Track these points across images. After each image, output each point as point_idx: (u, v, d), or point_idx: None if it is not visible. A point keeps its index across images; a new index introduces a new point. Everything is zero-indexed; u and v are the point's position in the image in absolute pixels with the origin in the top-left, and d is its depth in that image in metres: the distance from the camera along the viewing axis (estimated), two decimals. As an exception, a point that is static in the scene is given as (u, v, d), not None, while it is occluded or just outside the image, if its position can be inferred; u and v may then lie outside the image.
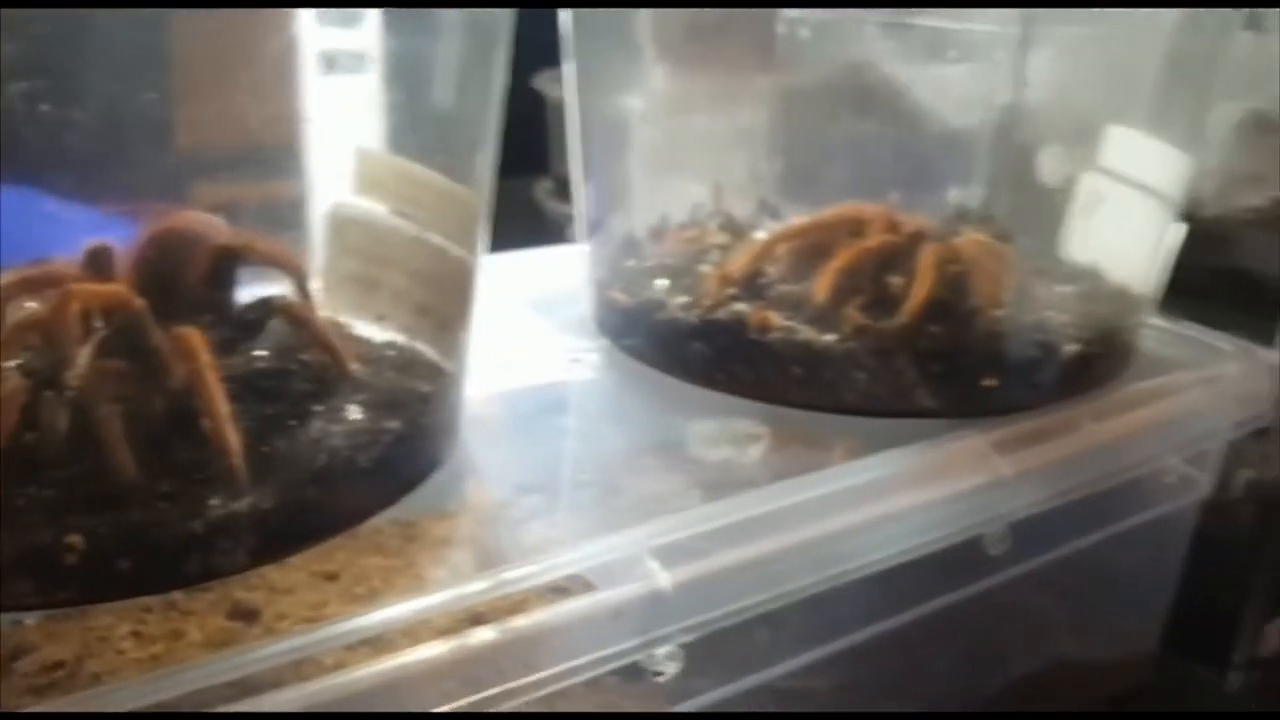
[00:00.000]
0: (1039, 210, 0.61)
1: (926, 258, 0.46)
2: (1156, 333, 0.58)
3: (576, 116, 0.57)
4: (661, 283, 0.53)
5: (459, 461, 0.43)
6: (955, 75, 0.70)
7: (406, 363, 0.41)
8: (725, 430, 0.49)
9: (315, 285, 0.41)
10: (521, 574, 0.34)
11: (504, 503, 0.42)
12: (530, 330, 0.58)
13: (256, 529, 0.33)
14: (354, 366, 0.38)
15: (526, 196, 1.05)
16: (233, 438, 0.32)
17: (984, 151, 0.67)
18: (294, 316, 0.35)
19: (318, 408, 0.36)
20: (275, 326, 0.38)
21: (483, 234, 0.44)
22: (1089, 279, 0.55)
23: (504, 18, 0.41)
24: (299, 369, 0.36)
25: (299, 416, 0.35)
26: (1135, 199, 0.56)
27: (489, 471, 0.44)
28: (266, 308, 0.35)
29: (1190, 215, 0.59)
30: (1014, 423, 0.47)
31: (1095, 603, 0.56)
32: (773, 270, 0.51)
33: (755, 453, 0.47)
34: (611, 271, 0.55)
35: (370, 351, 0.41)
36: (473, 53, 0.41)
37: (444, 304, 0.43)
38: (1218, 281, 0.60)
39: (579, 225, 0.59)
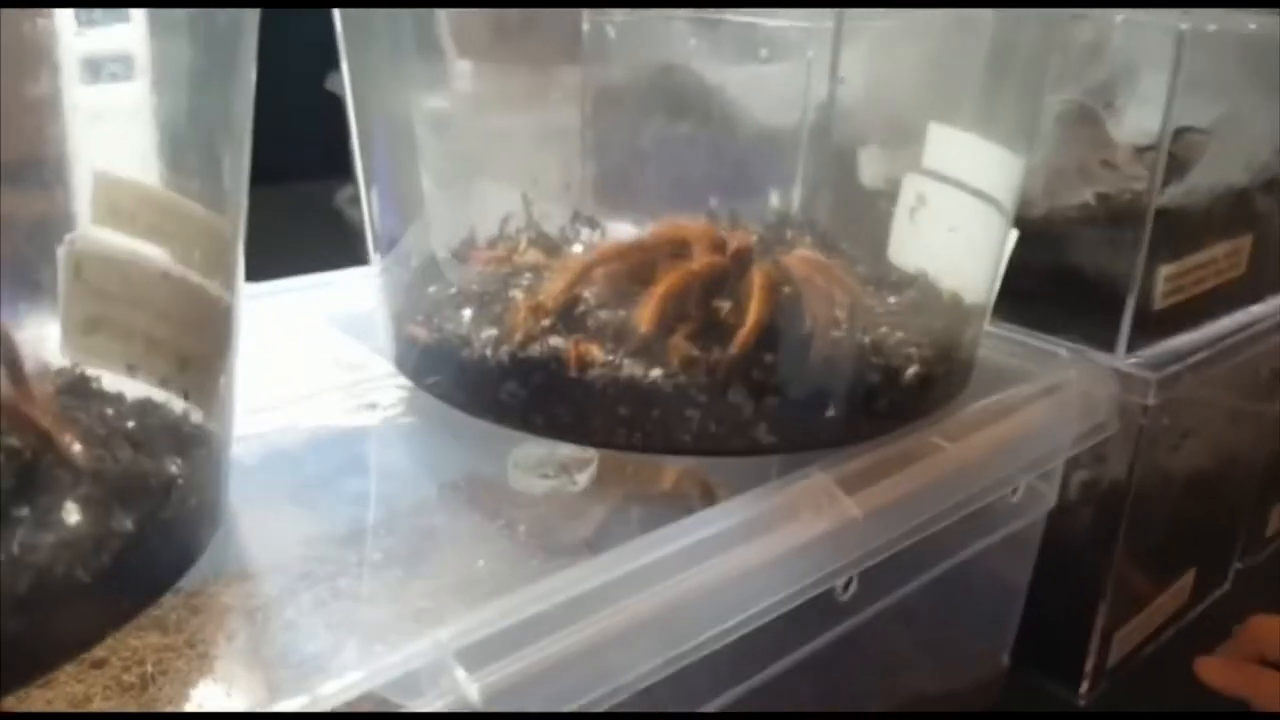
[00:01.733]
0: (861, 214, 0.59)
1: (757, 279, 0.42)
2: (991, 341, 0.56)
3: (354, 122, 0.50)
4: (467, 313, 0.47)
5: (229, 539, 0.36)
6: (769, 74, 0.67)
7: (155, 429, 0.33)
8: (546, 481, 0.45)
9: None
10: (305, 699, 0.28)
11: (285, 589, 0.35)
12: (317, 369, 0.52)
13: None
14: (77, 448, 0.30)
15: (327, 204, 0.98)
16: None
17: (802, 153, 0.64)
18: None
19: (23, 510, 0.28)
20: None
21: (238, 265, 0.37)
22: (919, 288, 0.52)
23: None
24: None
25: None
26: (963, 200, 0.53)
27: (267, 550, 0.37)
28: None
29: (1018, 215, 0.57)
30: (858, 454, 0.43)
31: (945, 630, 0.53)
32: (591, 297, 0.46)
33: (581, 509, 0.44)
34: (409, 300, 0.49)
35: (112, 418, 0.33)
36: (213, 56, 0.34)
37: (201, 348, 0.36)
38: (1049, 284, 0.59)
39: (370, 244, 0.52)
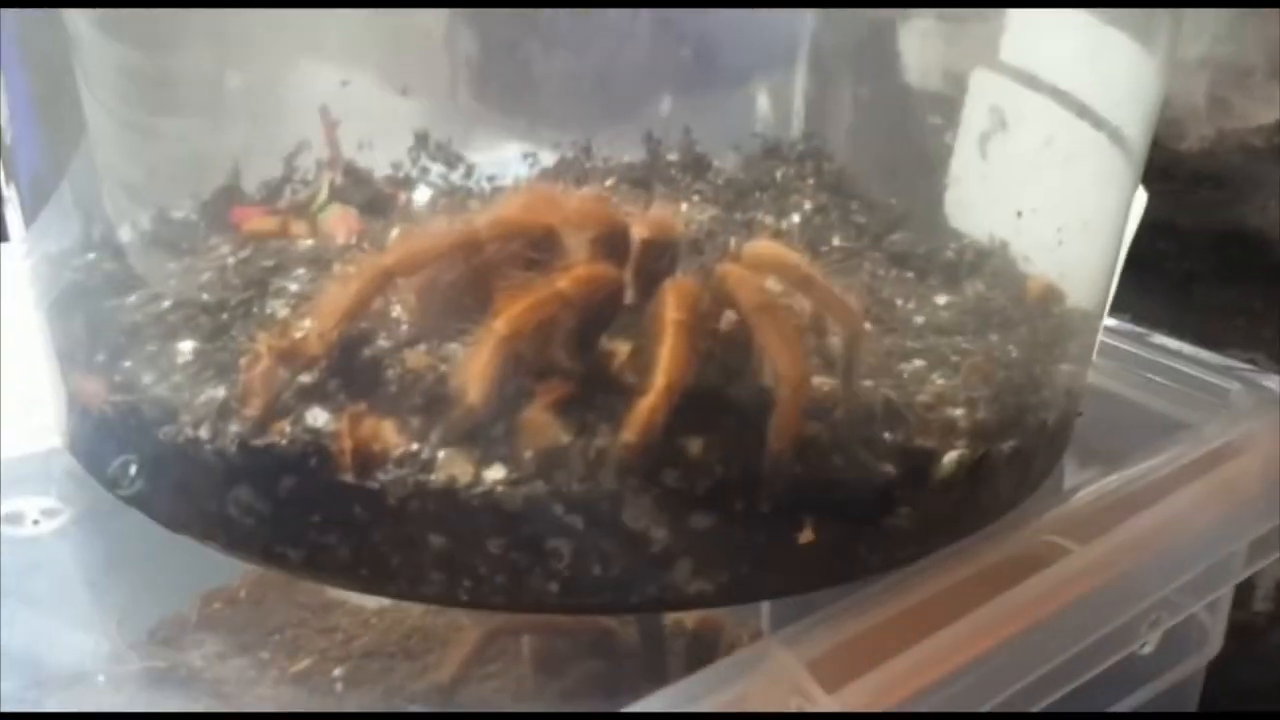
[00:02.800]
0: (902, 140, 0.56)
1: (670, 309, 0.38)
2: (1109, 361, 0.53)
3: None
4: (185, 348, 0.43)
5: None
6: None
7: None
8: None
9: None
10: None
11: None
12: None
13: None
14: None
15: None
16: None
17: (808, 28, 0.58)
18: None
19: None
20: None
21: None
22: (989, 275, 0.49)
23: None
24: None
25: None
26: (1065, 125, 0.49)
27: None
28: None
29: (1164, 146, 0.53)
30: (851, 611, 0.39)
31: None
32: (395, 323, 0.42)
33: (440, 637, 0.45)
34: (85, 324, 0.45)
35: None
36: None
37: None
38: (1212, 262, 0.54)
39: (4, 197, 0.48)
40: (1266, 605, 0.56)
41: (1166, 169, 0.51)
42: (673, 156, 0.55)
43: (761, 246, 0.41)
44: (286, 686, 0.43)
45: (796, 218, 0.51)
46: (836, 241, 0.50)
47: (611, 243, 0.40)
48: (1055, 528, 0.44)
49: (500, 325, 0.38)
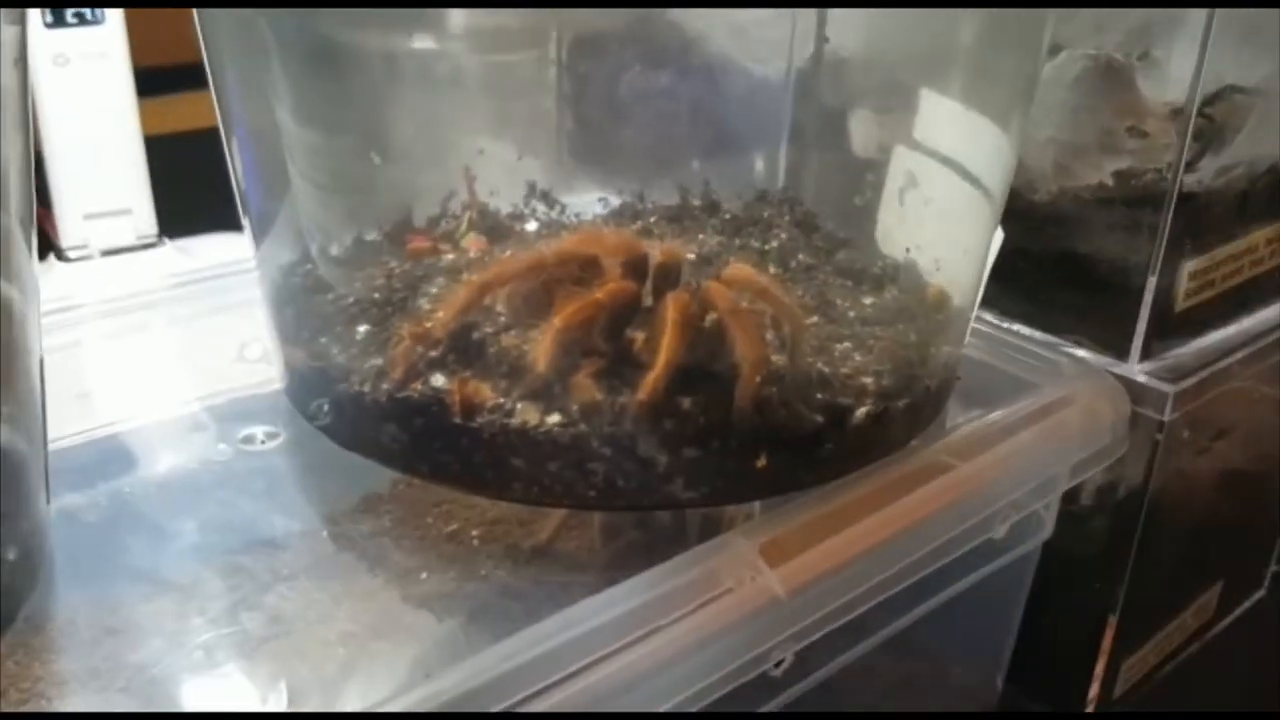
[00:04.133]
0: (850, 189, 0.50)
1: (670, 313, 0.35)
2: (986, 341, 0.49)
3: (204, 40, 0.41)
4: (363, 330, 0.40)
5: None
6: (755, 23, 0.59)
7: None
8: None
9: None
10: None
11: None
12: (193, 383, 0.46)
13: None
14: None
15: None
16: None
17: (788, 114, 0.55)
18: None
19: None
20: None
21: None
22: (903, 285, 0.45)
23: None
24: None
25: None
26: (951, 184, 0.45)
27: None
28: None
29: (1024, 198, 0.49)
30: (793, 514, 0.37)
31: (914, 680, 0.47)
32: (499, 315, 0.39)
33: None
34: (296, 309, 0.42)
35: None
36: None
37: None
38: (1056, 277, 0.50)
39: (241, 214, 0.45)
40: (1088, 503, 0.52)
41: (1024, 212, 0.47)
42: (696, 201, 0.51)
43: (735, 269, 0.38)
44: (442, 541, 0.41)
45: (775, 243, 0.48)
46: (801, 258, 0.46)
47: (635, 265, 0.37)
48: (940, 453, 0.41)
49: (558, 320, 0.35)
